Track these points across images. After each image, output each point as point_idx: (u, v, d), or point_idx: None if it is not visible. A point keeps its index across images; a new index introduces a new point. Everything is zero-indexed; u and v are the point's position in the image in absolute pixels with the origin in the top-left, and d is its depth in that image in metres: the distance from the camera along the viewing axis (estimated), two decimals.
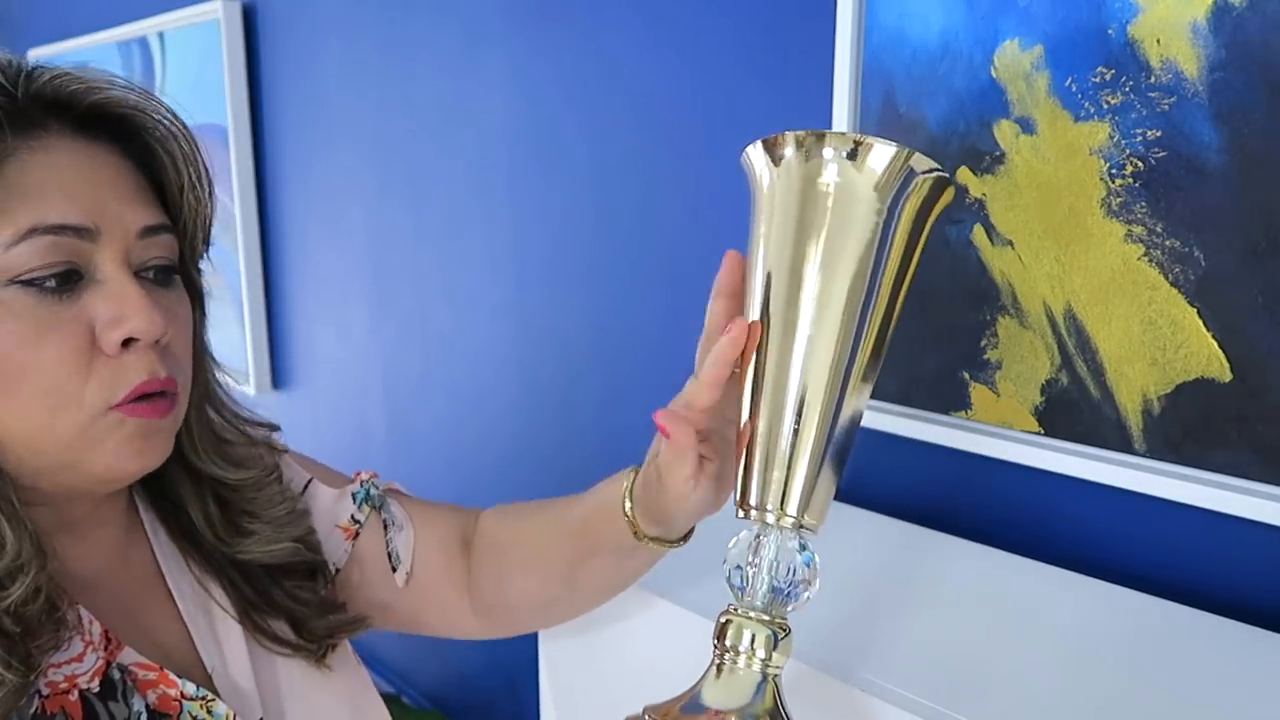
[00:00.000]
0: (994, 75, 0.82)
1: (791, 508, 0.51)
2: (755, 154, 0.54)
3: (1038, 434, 0.84)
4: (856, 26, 0.90)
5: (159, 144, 0.59)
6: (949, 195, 0.53)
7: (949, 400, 0.89)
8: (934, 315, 0.89)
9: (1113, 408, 0.79)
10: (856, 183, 0.50)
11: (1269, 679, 0.65)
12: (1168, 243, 0.74)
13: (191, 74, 2.04)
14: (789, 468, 0.51)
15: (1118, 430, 0.79)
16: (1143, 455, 0.78)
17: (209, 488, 0.66)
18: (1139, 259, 0.76)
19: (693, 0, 1.08)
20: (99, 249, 0.54)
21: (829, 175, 0.50)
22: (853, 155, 0.49)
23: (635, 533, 0.63)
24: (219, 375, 0.69)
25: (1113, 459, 0.79)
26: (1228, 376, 0.72)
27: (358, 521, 0.75)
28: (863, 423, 0.94)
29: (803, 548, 0.52)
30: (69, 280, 0.53)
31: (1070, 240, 0.79)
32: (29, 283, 0.52)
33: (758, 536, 0.52)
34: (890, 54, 0.88)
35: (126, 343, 0.55)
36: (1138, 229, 0.75)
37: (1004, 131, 0.82)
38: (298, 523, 0.69)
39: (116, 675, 0.56)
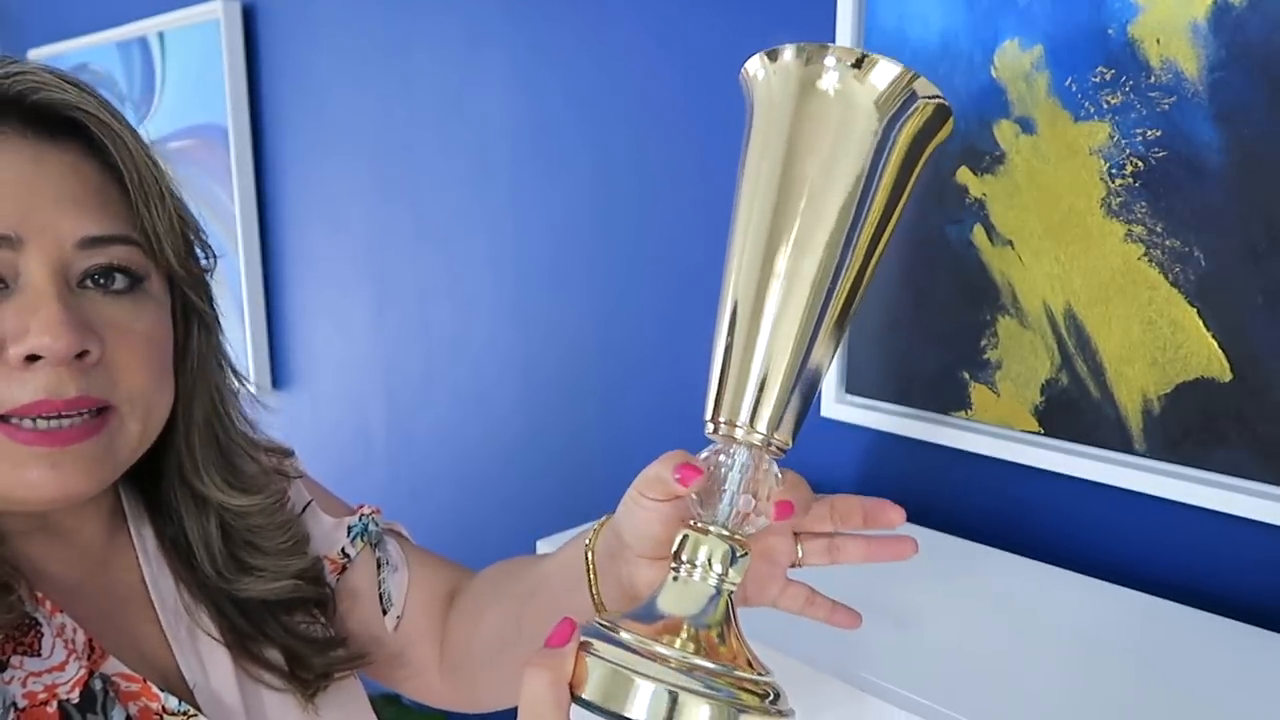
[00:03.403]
0: (994, 75, 0.82)
1: (762, 425, 0.49)
2: (754, 63, 0.52)
3: (1038, 434, 0.84)
4: (856, 27, 0.90)
5: (111, 148, 0.56)
6: (948, 128, 0.52)
7: (949, 400, 0.89)
8: (934, 315, 0.89)
9: (1113, 408, 0.79)
10: (856, 94, 0.48)
11: (1269, 679, 0.66)
12: (1168, 243, 0.74)
13: (191, 74, 2.04)
14: (762, 386, 0.49)
15: (1118, 430, 0.79)
16: (1143, 455, 0.78)
17: (214, 512, 0.64)
18: (1139, 259, 0.76)
19: (692, 0, 1.09)
20: (23, 257, 0.52)
21: (828, 82, 0.48)
22: (856, 66, 0.48)
23: (589, 567, 0.61)
24: (233, 396, 0.65)
25: (1113, 459, 0.79)
26: (1228, 376, 0.72)
27: (347, 555, 0.72)
28: (867, 426, 0.95)
29: (770, 466, 0.51)
30: None
31: (1070, 240, 0.79)
32: None
33: (726, 453, 0.50)
34: (890, 54, 0.88)
35: (33, 358, 0.51)
36: (1138, 229, 0.75)
37: (1004, 131, 0.82)
38: (300, 554, 0.67)
39: (98, 685, 0.54)
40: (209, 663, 0.62)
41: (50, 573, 0.57)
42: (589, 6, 1.22)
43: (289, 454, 0.72)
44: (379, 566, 0.73)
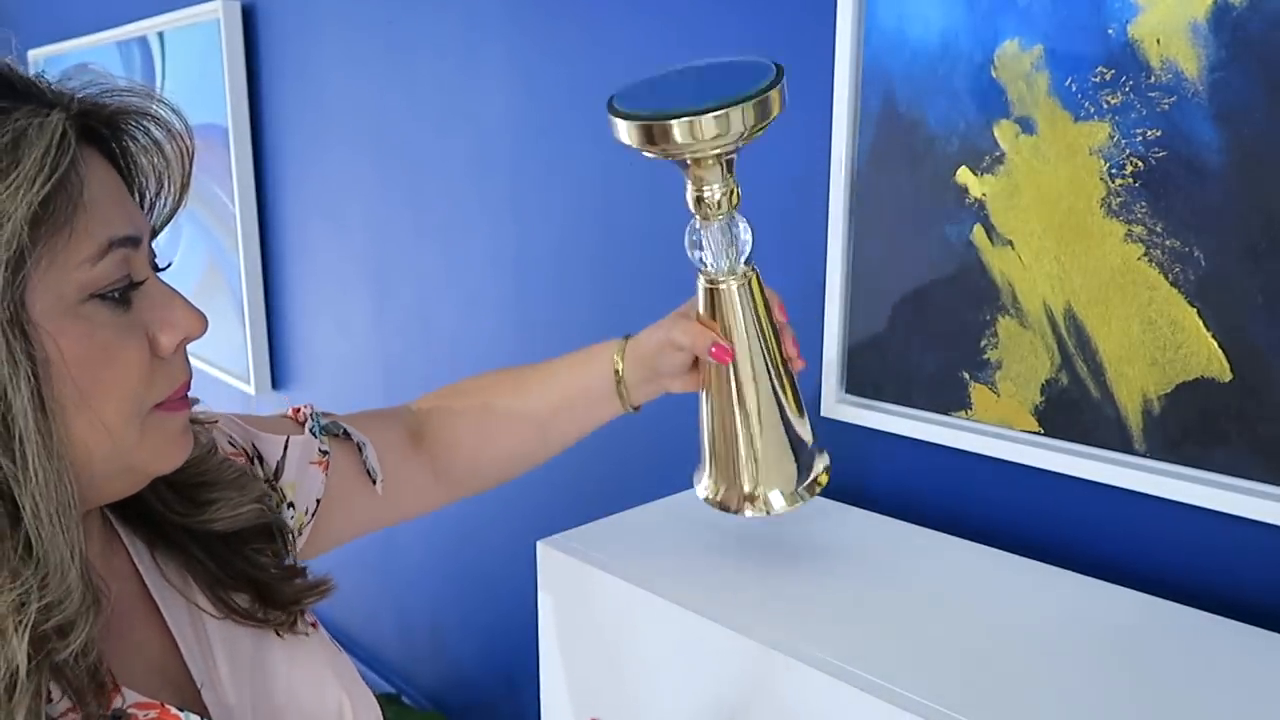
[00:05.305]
0: (994, 75, 0.82)
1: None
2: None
3: (1038, 434, 0.84)
4: (856, 27, 0.90)
5: (154, 146, 0.59)
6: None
7: (949, 400, 0.89)
8: (934, 315, 0.89)
9: (1113, 408, 0.79)
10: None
11: (1269, 679, 0.66)
12: (1168, 243, 0.74)
13: (192, 74, 2.04)
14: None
15: (1118, 430, 0.79)
16: (1142, 455, 0.78)
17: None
18: (1139, 259, 0.76)
19: None
20: (138, 255, 0.56)
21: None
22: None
23: (621, 396, 0.84)
24: None
25: (1113, 459, 0.79)
26: (1228, 376, 0.72)
27: (325, 453, 0.78)
28: (867, 426, 0.95)
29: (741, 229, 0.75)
30: (129, 289, 0.55)
31: (1070, 240, 0.79)
32: (103, 295, 0.53)
33: (717, 222, 0.74)
34: (890, 55, 0.88)
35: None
36: (1138, 229, 0.75)
37: (1004, 131, 0.82)
38: (252, 485, 0.69)
39: None
40: (215, 650, 0.62)
41: None
42: (589, 3, 1.22)
43: (195, 401, 0.72)
44: (360, 450, 0.80)
